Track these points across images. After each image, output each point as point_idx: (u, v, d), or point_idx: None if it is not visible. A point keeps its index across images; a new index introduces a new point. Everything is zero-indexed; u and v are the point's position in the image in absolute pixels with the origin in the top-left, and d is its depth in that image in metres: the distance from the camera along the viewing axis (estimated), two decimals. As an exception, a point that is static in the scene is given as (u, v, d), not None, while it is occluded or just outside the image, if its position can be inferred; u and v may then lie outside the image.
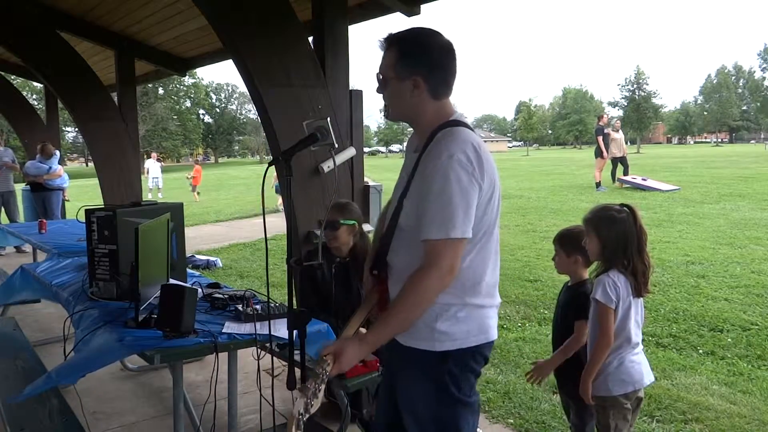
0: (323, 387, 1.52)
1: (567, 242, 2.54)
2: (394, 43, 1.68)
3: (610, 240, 2.28)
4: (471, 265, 1.66)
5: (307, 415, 1.45)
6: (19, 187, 9.36)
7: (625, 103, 73.47)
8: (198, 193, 19.56)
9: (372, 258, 1.85)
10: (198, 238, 10.05)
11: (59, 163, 8.91)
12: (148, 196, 18.35)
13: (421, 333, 1.68)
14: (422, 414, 1.75)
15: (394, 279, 1.74)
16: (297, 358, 1.93)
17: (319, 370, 1.52)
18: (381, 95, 1.74)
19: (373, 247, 1.90)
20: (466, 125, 1.69)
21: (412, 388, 1.76)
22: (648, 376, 2.36)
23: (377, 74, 1.72)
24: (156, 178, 21.36)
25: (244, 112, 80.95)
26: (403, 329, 1.64)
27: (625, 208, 2.31)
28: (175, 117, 65.26)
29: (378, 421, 2.01)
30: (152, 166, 21.56)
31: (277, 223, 9.97)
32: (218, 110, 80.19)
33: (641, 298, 2.34)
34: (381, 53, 1.72)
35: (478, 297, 1.69)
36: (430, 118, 1.70)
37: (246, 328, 2.43)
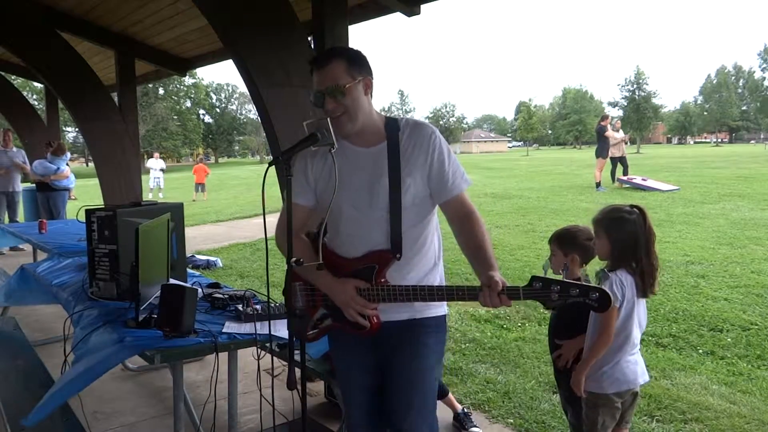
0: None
1: (564, 242, 2.55)
2: (335, 54, 1.85)
3: (620, 241, 2.30)
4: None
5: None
6: (24, 187, 9.36)
7: (625, 103, 73.52)
8: (202, 192, 19.49)
9: (391, 244, 1.89)
10: (198, 238, 10.05)
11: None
12: (148, 196, 18.36)
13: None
14: (429, 380, 1.95)
15: (405, 259, 1.90)
16: (297, 358, 1.93)
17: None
18: (335, 108, 1.82)
19: (367, 237, 1.92)
20: None
21: (428, 357, 1.95)
22: (642, 376, 2.38)
23: (327, 87, 1.81)
24: (158, 178, 21.35)
25: (244, 112, 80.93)
26: None
27: (635, 209, 2.33)
28: (176, 117, 65.25)
29: (356, 416, 2.10)
30: (154, 166, 21.52)
31: (277, 223, 9.96)
32: (218, 110, 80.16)
33: (645, 299, 2.35)
34: (320, 72, 1.83)
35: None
36: (376, 115, 1.94)
37: (246, 328, 2.43)
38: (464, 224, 1.90)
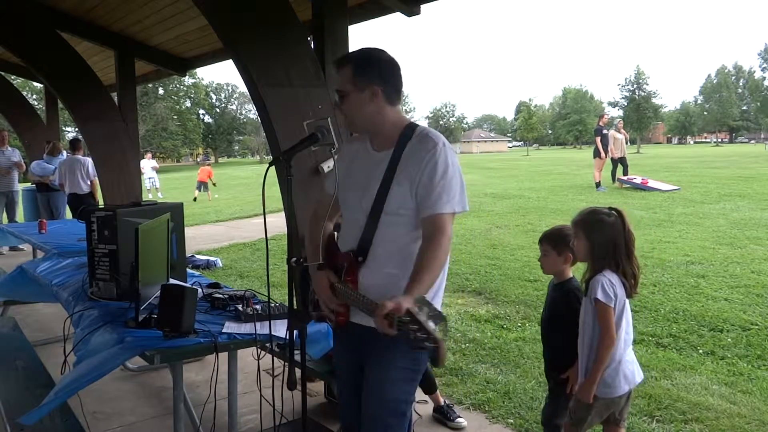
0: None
1: (557, 242, 2.57)
2: (347, 61, 1.90)
3: (599, 243, 2.31)
4: None
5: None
6: (22, 187, 9.36)
7: (625, 103, 73.50)
8: (206, 191, 19.43)
9: (357, 246, 1.91)
10: (198, 238, 10.05)
11: None
12: (148, 197, 18.35)
13: None
14: (389, 394, 1.90)
15: (373, 265, 1.87)
16: (297, 358, 1.93)
17: (415, 318, 1.44)
18: (342, 110, 1.91)
19: (350, 236, 1.94)
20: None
21: (390, 370, 1.88)
22: (639, 374, 2.40)
23: (336, 90, 1.90)
24: (152, 178, 21.24)
25: (244, 112, 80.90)
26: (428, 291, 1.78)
27: (613, 212, 2.34)
28: (175, 117, 65.24)
29: (341, 398, 2.09)
30: (146, 166, 21.32)
31: (278, 223, 9.97)
32: (218, 110, 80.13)
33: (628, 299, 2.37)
34: (337, 75, 1.91)
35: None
36: (392, 120, 1.92)
37: (246, 328, 2.43)
38: (425, 242, 1.80)
